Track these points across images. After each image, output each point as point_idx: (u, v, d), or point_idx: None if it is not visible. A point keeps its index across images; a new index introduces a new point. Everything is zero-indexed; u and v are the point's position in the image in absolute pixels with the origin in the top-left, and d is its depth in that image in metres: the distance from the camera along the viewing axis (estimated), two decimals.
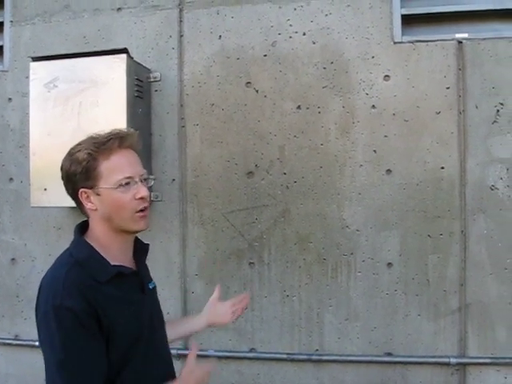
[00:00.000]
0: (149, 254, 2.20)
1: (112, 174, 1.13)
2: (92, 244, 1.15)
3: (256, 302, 2.30)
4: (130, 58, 2.15)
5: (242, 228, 2.29)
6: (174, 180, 2.34)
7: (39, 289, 1.12)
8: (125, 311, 1.14)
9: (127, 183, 1.14)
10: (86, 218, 1.20)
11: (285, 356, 2.30)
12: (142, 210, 1.16)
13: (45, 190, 2.17)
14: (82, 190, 1.14)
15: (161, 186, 2.35)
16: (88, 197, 1.14)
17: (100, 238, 1.17)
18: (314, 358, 2.27)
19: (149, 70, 2.35)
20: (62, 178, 1.18)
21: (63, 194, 2.05)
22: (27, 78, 2.42)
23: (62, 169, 1.17)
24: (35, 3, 2.51)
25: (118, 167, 1.14)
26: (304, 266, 2.26)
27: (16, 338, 2.54)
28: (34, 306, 1.11)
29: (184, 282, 2.35)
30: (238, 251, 2.30)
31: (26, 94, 2.46)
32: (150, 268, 2.24)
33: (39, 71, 2.19)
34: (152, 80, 2.36)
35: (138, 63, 2.25)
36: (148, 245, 1.34)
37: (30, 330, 2.51)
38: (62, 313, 1.03)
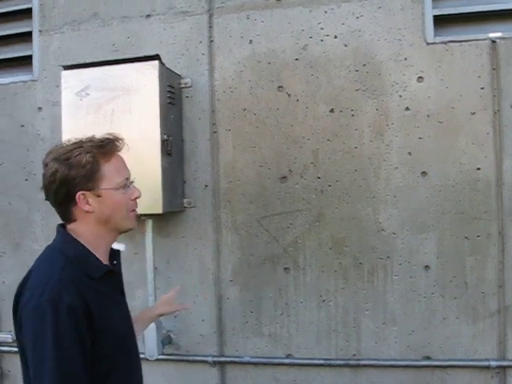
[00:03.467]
0: (183, 260, 2.47)
1: (113, 176, 1.32)
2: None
3: (292, 307, 2.51)
4: (161, 64, 2.36)
5: (276, 233, 2.50)
6: (206, 186, 2.56)
7: (23, 284, 1.25)
8: (114, 307, 1.33)
9: (126, 184, 1.35)
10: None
11: (322, 361, 2.49)
12: (133, 210, 1.40)
13: None
14: (80, 192, 1.27)
15: (194, 193, 2.57)
16: (86, 199, 1.29)
17: (89, 239, 1.32)
18: (351, 362, 2.47)
19: (179, 76, 2.57)
20: (51, 184, 1.28)
21: None
22: (57, 86, 2.66)
23: (52, 174, 1.27)
24: (63, 12, 2.75)
25: (117, 169, 1.34)
26: (340, 271, 2.46)
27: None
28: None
29: (218, 288, 2.57)
30: (272, 256, 2.51)
31: (56, 103, 2.70)
32: (185, 275, 2.48)
33: (71, 80, 2.40)
34: (183, 86, 2.59)
35: (169, 69, 2.47)
36: (119, 250, 1.53)
37: None
38: (61, 308, 1.14)
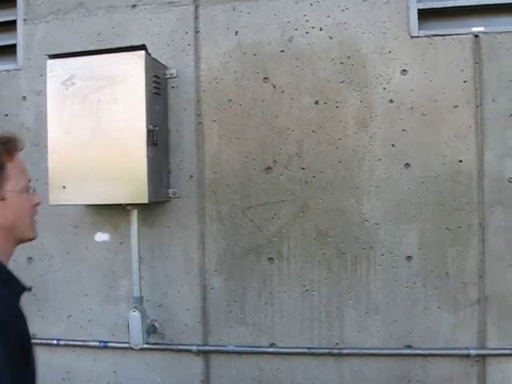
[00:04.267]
0: (168, 250, 2.52)
1: (18, 177, 1.14)
2: None
3: (276, 297, 2.58)
4: (147, 54, 2.40)
5: (260, 223, 2.57)
6: (191, 176, 2.62)
7: None
8: (27, 326, 1.14)
9: (29, 188, 1.18)
10: None
11: (305, 350, 2.57)
12: (34, 217, 1.22)
13: (63, 188, 2.43)
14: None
15: (179, 183, 2.63)
16: None
17: None
18: (334, 351, 2.55)
19: (165, 66, 2.62)
20: None
21: (82, 192, 2.36)
22: (41, 76, 2.71)
23: None
24: (48, 1, 2.78)
25: (21, 170, 1.16)
26: (323, 261, 2.54)
27: (33, 336, 2.82)
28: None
29: (203, 277, 2.63)
30: (256, 246, 2.58)
31: (40, 93, 2.74)
32: (170, 264, 2.55)
33: (56, 69, 2.43)
34: (168, 77, 2.64)
35: (155, 60, 2.51)
36: None
37: (46, 328, 2.80)
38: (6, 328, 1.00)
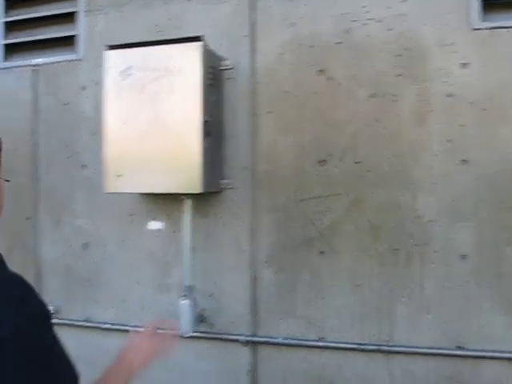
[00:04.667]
0: (220, 240, 2.69)
1: None
2: None
3: (326, 290, 2.69)
4: (204, 45, 2.55)
5: (313, 216, 2.69)
6: (245, 167, 2.76)
7: None
8: None
9: None
10: None
11: (354, 346, 2.68)
12: None
13: (119, 176, 2.62)
14: None
15: (232, 174, 2.78)
16: None
17: None
18: (384, 348, 2.64)
19: (221, 57, 2.76)
20: None
21: (137, 180, 2.54)
22: (101, 66, 2.90)
23: None
24: None
25: None
26: (375, 256, 2.63)
27: (87, 320, 3.06)
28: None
29: (254, 269, 2.78)
30: (308, 239, 2.70)
31: (99, 83, 2.93)
32: (221, 255, 2.71)
33: (114, 59, 2.60)
34: (224, 68, 2.78)
35: (211, 51, 2.66)
36: None
37: (100, 313, 3.01)
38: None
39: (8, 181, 1.21)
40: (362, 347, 2.65)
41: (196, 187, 2.50)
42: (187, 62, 2.51)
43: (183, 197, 2.62)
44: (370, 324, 2.65)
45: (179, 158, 2.53)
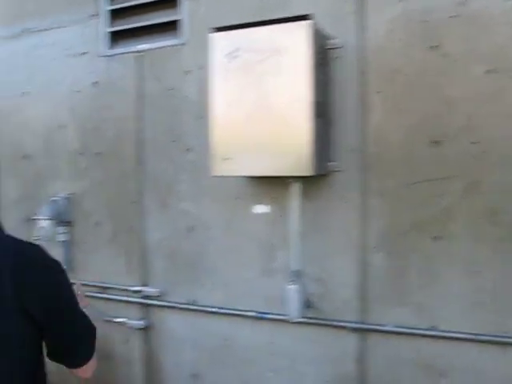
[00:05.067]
0: (327, 224, 2.77)
1: None
2: None
3: (439, 277, 2.70)
4: (312, 24, 2.61)
5: (425, 200, 2.70)
6: (353, 149, 2.81)
7: (31, 258, 1.45)
8: None
9: None
10: None
11: (468, 336, 2.66)
12: None
13: (226, 159, 2.74)
14: None
15: (340, 156, 2.83)
16: None
17: None
18: (500, 339, 2.61)
19: (328, 36, 2.82)
20: None
21: (244, 163, 2.65)
22: (204, 50, 3.03)
23: None
24: None
25: None
26: (493, 242, 2.60)
27: (193, 303, 3.23)
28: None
29: (362, 254, 2.83)
30: (420, 224, 2.71)
31: (202, 67, 3.08)
32: (328, 239, 2.78)
33: (220, 42, 2.71)
34: (331, 47, 2.83)
35: (319, 29, 2.71)
36: None
37: (205, 295, 3.17)
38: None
39: None
40: (477, 337, 2.63)
41: (306, 170, 2.58)
42: (296, 41, 2.58)
43: (291, 180, 2.70)
44: (485, 313, 2.63)
45: (288, 140, 2.61)
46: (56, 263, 1.51)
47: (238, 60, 2.68)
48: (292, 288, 2.74)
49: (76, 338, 1.55)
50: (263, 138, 2.64)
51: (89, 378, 1.69)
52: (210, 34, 2.70)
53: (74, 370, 1.60)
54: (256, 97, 2.65)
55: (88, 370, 1.63)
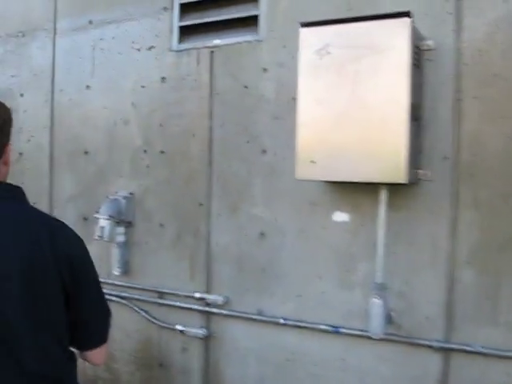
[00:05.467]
0: (413, 236, 2.62)
1: None
2: None
3: None
4: (411, 22, 2.46)
5: None
6: (445, 157, 2.66)
7: (62, 233, 1.48)
8: None
9: None
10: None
11: None
12: None
13: (312, 162, 2.61)
14: (9, 143, 1.49)
15: (430, 164, 2.69)
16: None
17: None
18: None
19: (423, 37, 2.68)
20: None
21: (332, 167, 2.51)
22: (285, 47, 2.93)
23: None
24: None
25: None
26: None
27: (259, 313, 3.10)
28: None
29: (451, 269, 2.68)
30: None
31: (282, 64, 2.96)
32: (414, 251, 2.62)
33: (309, 38, 2.57)
34: (426, 48, 2.69)
35: (417, 29, 2.57)
36: None
37: (274, 306, 3.04)
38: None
39: None
40: None
41: (400, 177, 2.45)
42: (394, 39, 2.44)
43: (380, 187, 2.56)
44: None
45: (382, 144, 2.48)
46: (82, 240, 1.54)
47: (329, 57, 2.55)
48: (376, 302, 2.60)
49: (98, 315, 1.56)
50: (353, 140, 2.52)
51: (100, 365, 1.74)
52: (300, 29, 2.57)
53: (89, 354, 1.57)
54: (348, 96, 2.52)
55: (101, 355, 1.61)
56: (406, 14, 2.45)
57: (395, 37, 2.46)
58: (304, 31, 2.62)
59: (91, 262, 1.54)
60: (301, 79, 2.63)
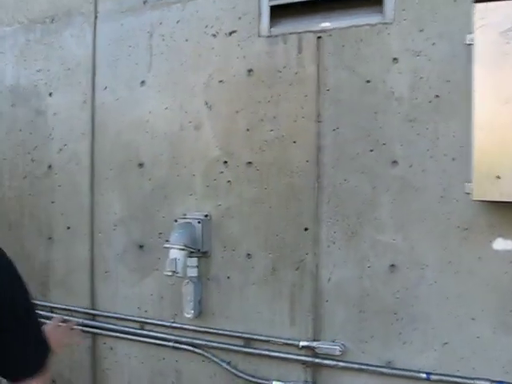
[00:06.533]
0: None
1: None
2: None
3: None
4: None
5: None
6: None
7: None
8: None
9: None
10: None
11: None
12: None
13: (497, 177, 2.08)
14: None
15: None
16: None
17: None
18: None
19: None
20: None
21: None
22: (421, 31, 2.41)
23: None
24: None
25: None
26: None
27: (388, 365, 2.52)
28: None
29: None
30: None
31: (419, 53, 2.44)
32: None
33: (490, 16, 2.10)
34: None
35: None
36: None
37: (409, 356, 2.49)
38: None
39: None
40: None
41: None
42: None
43: None
44: None
45: None
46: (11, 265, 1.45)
47: None
48: None
49: (25, 344, 1.42)
50: None
51: None
52: (476, 5, 2.05)
53: None
54: None
55: None
56: None
57: None
58: (480, 8, 2.10)
59: (23, 292, 1.45)
60: (477, 70, 2.15)
